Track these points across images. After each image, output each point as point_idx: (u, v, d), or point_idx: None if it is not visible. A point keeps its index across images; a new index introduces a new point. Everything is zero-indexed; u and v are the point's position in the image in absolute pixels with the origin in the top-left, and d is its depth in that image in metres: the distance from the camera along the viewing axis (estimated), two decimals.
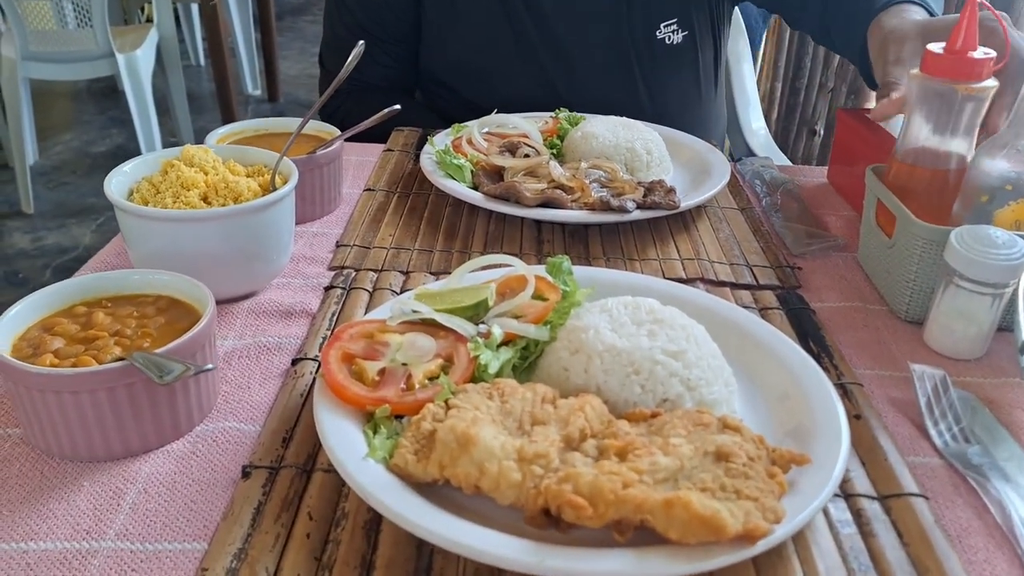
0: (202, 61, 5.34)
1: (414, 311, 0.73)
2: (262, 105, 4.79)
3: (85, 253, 3.09)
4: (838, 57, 2.99)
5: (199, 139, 3.38)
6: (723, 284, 0.96)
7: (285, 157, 0.90)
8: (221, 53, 3.81)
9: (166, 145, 3.68)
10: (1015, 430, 0.74)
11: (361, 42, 0.94)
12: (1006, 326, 0.86)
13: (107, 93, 4.64)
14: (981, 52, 0.87)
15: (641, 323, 0.72)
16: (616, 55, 1.45)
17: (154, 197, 0.83)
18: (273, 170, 0.89)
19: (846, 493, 0.65)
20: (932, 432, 0.73)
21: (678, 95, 1.52)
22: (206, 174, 0.86)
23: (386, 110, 0.96)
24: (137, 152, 3.38)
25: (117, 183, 0.84)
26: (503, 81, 1.46)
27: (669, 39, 1.45)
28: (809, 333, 0.86)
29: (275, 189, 0.87)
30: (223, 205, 0.83)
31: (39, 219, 3.33)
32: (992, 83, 0.88)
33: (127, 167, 0.87)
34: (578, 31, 1.43)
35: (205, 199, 0.84)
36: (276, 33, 4.71)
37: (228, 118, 4.01)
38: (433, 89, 1.56)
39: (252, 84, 4.93)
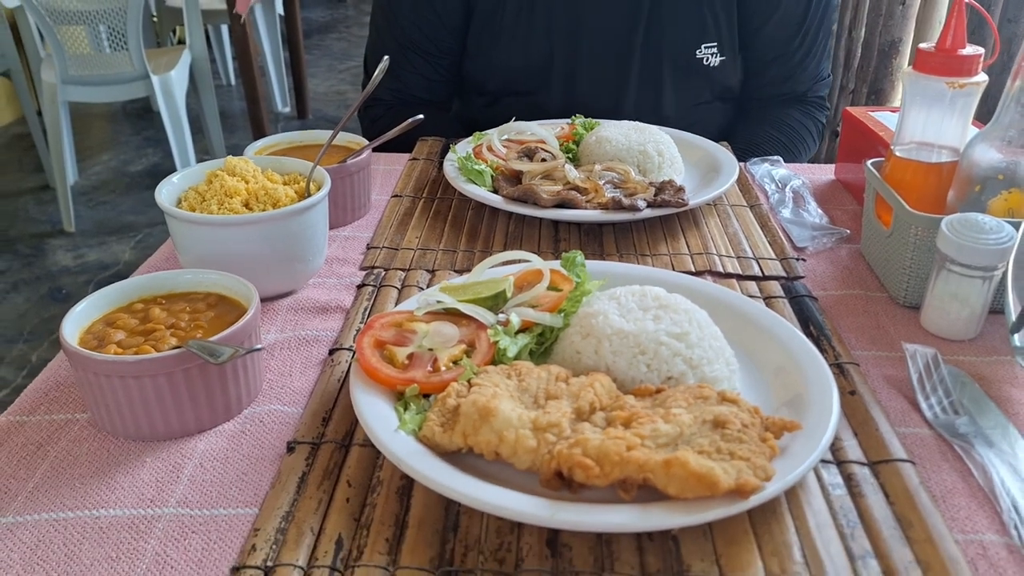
0: (233, 81, 5.49)
1: (439, 302, 0.79)
2: (291, 122, 4.91)
3: (125, 269, 3.21)
4: (858, 59, 3.02)
5: (232, 156, 3.44)
6: (730, 276, 1.02)
7: (318, 166, 0.97)
8: (251, 73, 3.93)
9: (200, 163, 3.80)
10: (1003, 403, 0.79)
11: (386, 57, 1.01)
12: (998, 308, 0.91)
13: (142, 114, 4.79)
14: (970, 48, 0.92)
15: (647, 308, 0.78)
16: (652, 69, 1.52)
17: (200, 204, 0.91)
18: (308, 178, 0.96)
19: (838, 460, 0.70)
20: (923, 405, 0.78)
21: (709, 110, 1.59)
22: (247, 183, 0.93)
23: (409, 120, 1.03)
24: (172, 171, 3.47)
25: (167, 192, 0.92)
26: (542, 94, 1.54)
27: (707, 60, 1.52)
28: (810, 318, 0.92)
29: (310, 195, 0.94)
30: (263, 211, 0.91)
31: (80, 237, 3.46)
32: (982, 78, 0.93)
33: (175, 178, 0.95)
34: (617, 46, 1.50)
35: (247, 205, 0.92)
36: (304, 52, 4.83)
37: (259, 136, 4.13)
38: (473, 99, 1.63)
39: (282, 102, 5.05)
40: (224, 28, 5.20)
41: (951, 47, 0.92)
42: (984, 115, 1.01)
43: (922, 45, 0.94)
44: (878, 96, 2.93)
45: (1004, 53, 1.97)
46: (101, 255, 3.32)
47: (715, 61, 1.52)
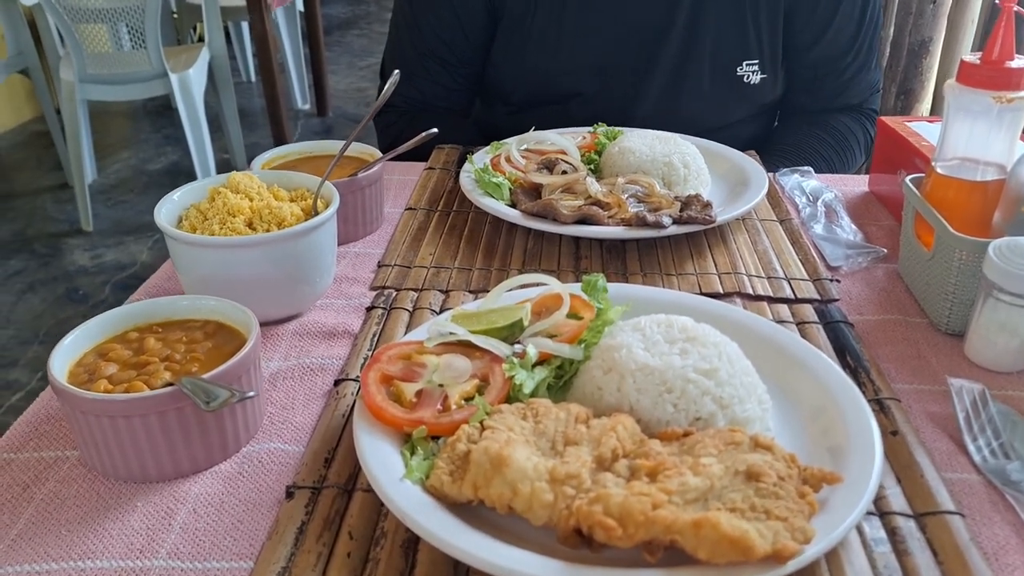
0: (253, 77, 5.47)
1: (451, 333, 0.75)
2: (311, 120, 4.88)
3: (142, 270, 3.19)
4: (887, 58, 2.94)
5: (251, 154, 3.45)
6: (760, 298, 0.96)
7: (327, 182, 0.93)
8: (271, 71, 3.90)
9: (218, 161, 3.78)
10: None
11: (397, 72, 0.97)
12: None
13: (161, 112, 4.78)
14: (1019, 61, 0.86)
15: (674, 341, 0.73)
16: (690, 85, 1.46)
17: (202, 224, 0.87)
18: (315, 194, 0.92)
19: (881, 511, 0.65)
20: (970, 447, 0.73)
21: (746, 126, 1.54)
22: (251, 200, 0.89)
23: (424, 134, 0.99)
24: (191, 169, 3.48)
25: (167, 211, 0.88)
26: (570, 103, 1.49)
27: (748, 78, 1.46)
28: (847, 347, 0.86)
29: (317, 213, 0.90)
30: (267, 231, 0.86)
31: (98, 236, 3.45)
32: None
33: (176, 195, 0.91)
34: (654, 58, 1.45)
35: (250, 225, 0.87)
36: (324, 48, 4.80)
37: (278, 133, 4.11)
38: (496, 107, 1.58)
39: (302, 99, 5.03)
40: (244, 24, 5.17)
41: (998, 59, 0.86)
42: None
43: (966, 56, 0.88)
44: (907, 96, 2.85)
45: None
46: (119, 255, 3.31)
47: (756, 79, 1.46)
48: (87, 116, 3.49)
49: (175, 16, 4.71)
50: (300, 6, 4.74)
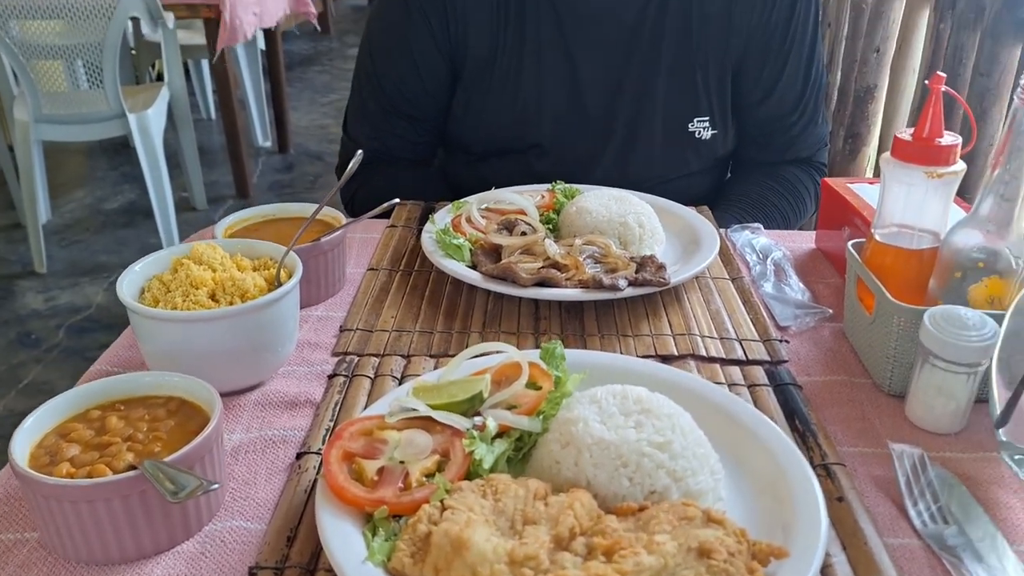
0: (213, 115, 5.44)
1: (411, 408, 0.76)
2: (273, 157, 4.87)
3: (97, 312, 3.15)
4: (835, 103, 3.05)
5: (210, 193, 3.41)
6: (713, 360, 1.00)
7: (291, 251, 0.94)
8: (231, 108, 3.90)
9: (177, 200, 3.76)
10: (991, 506, 0.77)
11: (360, 152, 0.99)
12: (984, 397, 0.89)
13: (119, 149, 4.73)
14: (948, 137, 0.91)
15: (629, 413, 0.76)
16: (643, 139, 1.51)
17: (165, 296, 0.88)
18: (279, 264, 0.93)
19: None
20: (911, 512, 0.76)
21: (700, 178, 1.59)
22: (214, 271, 0.90)
23: (385, 204, 1.01)
24: (148, 208, 3.45)
25: (129, 283, 0.89)
26: (529, 155, 1.52)
27: (699, 134, 1.51)
28: (795, 411, 0.89)
29: (280, 283, 0.91)
30: (230, 303, 0.88)
31: (52, 278, 3.40)
32: (960, 167, 0.92)
33: (138, 266, 0.91)
34: (609, 112, 1.49)
35: (213, 296, 0.88)
36: (286, 85, 4.81)
37: (239, 171, 4.10)
38: (458, 156, 1.61)
39: (263, 136, 5.02)
40: (204, 62, 5.16)
41: (929, 136, 0.91)
42: (963, 190, 1.00)
43: (898, 133, 0.93)
44: (855, 139, 2.95)
45: (980, 114, 1.98)
46: (73, 297, 3.26)
47: (707, 135, 1.51)
48: (42, 156, 3.45)
49: (133, 53, 4.69)
50: (261, 44, 4.75)
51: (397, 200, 1.04)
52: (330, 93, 6.15)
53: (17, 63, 3.09)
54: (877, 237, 0.97)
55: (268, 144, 5.01)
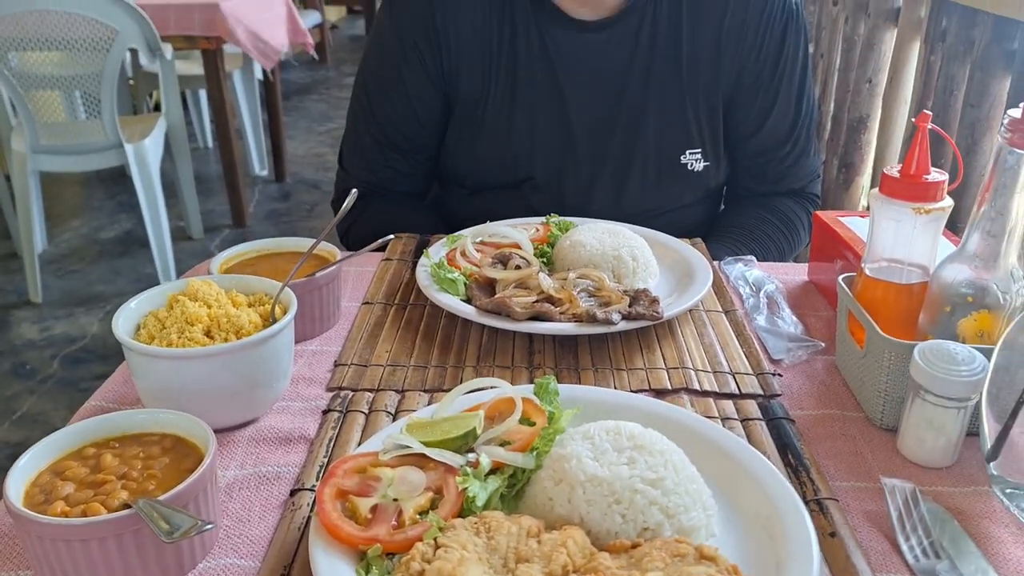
0: (210, 144, 5.48)
1: (405, 446, 0.77)
2: (269, 186, 4.89)
3: (92, 343, 3.14)
4: (828, 132, 3.08)
5: (207, 222, 3.42)
6: (707, 394, 1.00)
7: (286, 287, 0.95)
8: (228, 138, 3.92)
9: (173, 229, 3.77)
10: (982, 540, 0.77)
11: (354, 191, 1.01)
12: (975, 431, 0.90)
13: (116, 179, 4.76)
14: (935, 174, 0.93)
15: (622, 450, 0.76)
16: (636, 172, 1.52)
17: (160, 332, 0.88)
18: (274, 301, 0.94)
19: None
20: (903, 547, 0.76)
21: (693, 209, 1.60)
22: (209, 307, 0.91)
23: (380, 240, 1.02)
24: (145, 238, 3.46)
25: (124, 320, 0.89)
26: (523, 188, 1.54)
27: (692, 166, 1.53)
28: (788, 445, 0.90)
29: (275, 319, 0.92)
30: (226, 339, 0.88)
31: (47, 308, 3.40)
32: (948, 203, 0.93)
33: (133, 303, 0.92)
34: (601, 146, 1.51)
35: (208, 333, 0.89)
36: (282, 114, 4.84)
37: (236, 200, 4.12)
38: (453, 189, 1.63)
39: (259, 165, 5.04)
40: (202, 92, 5.20)
41: (916, 173, 0.92)
42: (951, 221, 1.01)
43: (886, 170, 0.94)
44: (848, 169, 2.98)
45: (970, 144, 2.01)
46: (68, 328, 3.26)
47: (699, 167, 1.53)
48: (39, 186, 3.46)
49: (131, 83, 4.72)
50: (258, 73, 4.79)
51: (392, 236, 1.05)
52: (327, 122, 6.19)
53: (15, 94, 3.11)
54: (867, 272, 0.98)
55: (265, 173, 5.03)
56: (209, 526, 0.65)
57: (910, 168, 0.92)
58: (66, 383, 2.90)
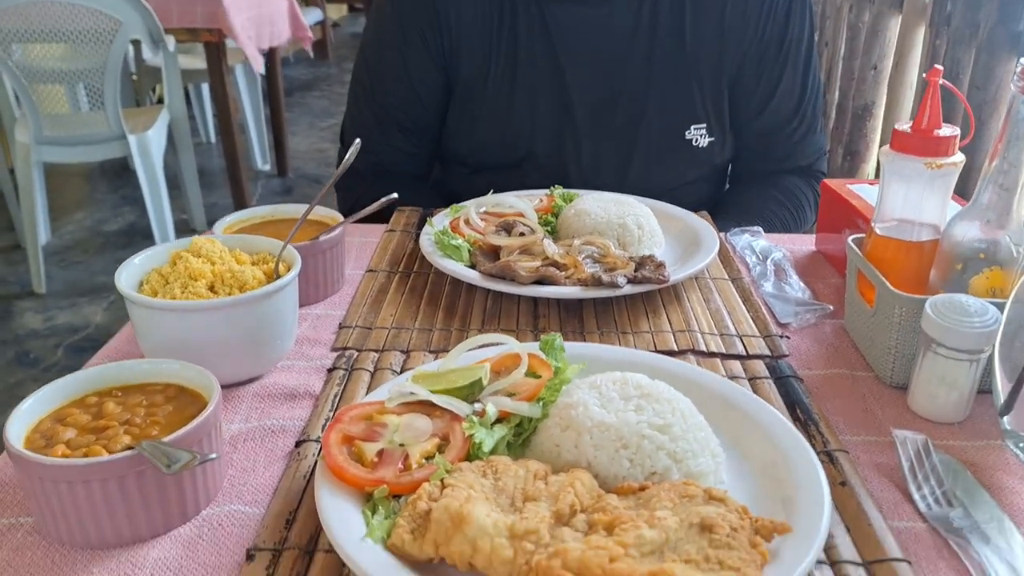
0: (213, 139, 5.48)
1: (411, 393, 0.76)
2: (272, 180, 4.89)
3: (96, 332, 3.14)
4: (833, 121, 3.07)
5: (210, 215, 3.43)
6: (713, 355, 0.99)
7: (289, 245, 0.94)
8: (231, 131, 3.92)
9: (177, 222, 3.77)
10: (996, 491, 0.76)
11: (358, 140, 1.00)
12: (986, 388, 0.89)
13: (119, 172, 4.76)
14: (947, 129, 0.92)
15: (629, 398, 0.75)
16: (640, 148, 1.51)
17: (163, 288, 0.88)
18: (277, 258, 0.93)
19: (831, 560, 0.67)
20: (915, 496, 0.75)
21: (698, 187, 1.59)
22: (213, 264, 0.90)
23: (384, 199, 1.01)
24: (148, 230, 3.46)
25: (127, 275, 0.89)
26: (524, 167, 1.53)
27: (696, 141, 1.52)
28: (797, 402, 0.89)
29: (279, 277, 0.91)
30: (229, 294, 0.87)
31: (51, 299, 3.39)
32: (959, 158, 0.92)
33: (137, 259, 0.91)
34: (603, 122, 1.50)
35: (212, 288, 0.88)
36: (285, 109, 4.84)
37: (238, 194, 4.11)
38: (454, 169, 1.62)
39: (262, 160, 5.04)
40: (204, 86, 5.20)
41: (927, 128, 0.91)
42: (960, 188, 1.00)
43: (898, 125, 0.93)
44: (853, 157, 2.97)
45: (977, 125, 1.99)
46: (72, 318, 3.25)
47: (704, 142, 1.52)
48: (42, 178, 3.46)
49: (134, 78, 4.72)
50: (261, 68, 4.79)
51: (395, 195, 1.04)
52: (329, 118, 6.19)
53: (19, 85, 3.11)
54: (877, 231, 0.97)
55: (267, 168, 5.03)
56: (213, 455, 0.64)
57: (921, 123, 0.91)
58: (70, 372, 2.87)
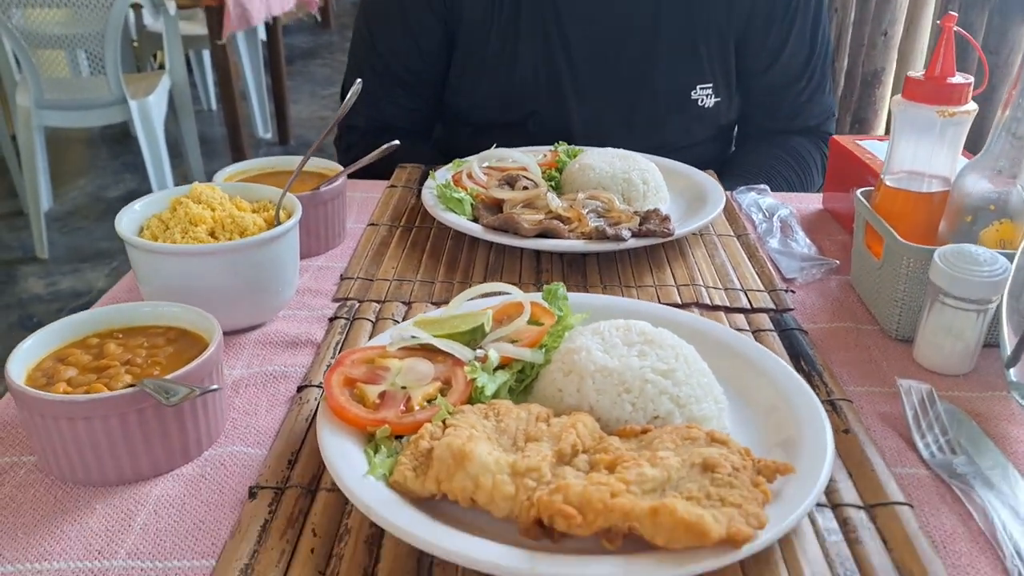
0: (214, 106, 5.44)
1: (413, 337, 0.75)
2: (273, 148, 4.87)
3: (99, 297, 3.12)
4: (841, 88, 3.03)
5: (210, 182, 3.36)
6: (717, 308, 0.99)
7: (288, 193, 0.93)
8: (232, 99, 3.90)
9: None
10: (1000, 441, 0.76)
11: (359, 81, 0.98)
12: (992, 342, 0.88)
13: (120, 139, 4.73)
14: (960, 77, 0.90)
15: (632, 344, 0.75)
16: (645, 107, 1.49)
17: (163, 233, 0.87)
18: (277, 206, 0.93)
19: (833, 503, 0.67)
20: (919, 444, 0.75)
21: (704, 147, 1.58)
22: (213, 210, 0.89)
23: (385, 146, 1.00)
24: None
25: (128, 220, 0.88)
26: (528, 125, 1.51)
27: (702, 101, 1.50)
28: (801, 353, 0.88)
29: (279, 224, 0.90)
30: (229, 240, 0.87)
31: (53, 264, 3.39)
32: (972, 107, 0.91)
33: (137, 205, 0.91)
34: (608, 80, 1.48)
35: (212, 234, 0.88)
36: (286, 77, 4.80)
37: (239, 161, 4.08)
38: (457, 128, 1.60)
39: (263, 127, 5.01)
40: (205, 53, 5.16)
41: (940, 75, 0.90)
42: (970, 145, 0.99)
43: (911, 73, 0.92)
44: (861, 125, 2.94)
45: (990, 81, 1.97)
46: (74, 283, 3.25)
47: (710, 102, 1.50)
48: (44, 142, 3.44)
49: (135, 44, 4.68)
50: (263, 35, 4.75)
51: (396, 142, 1.03)
52: (330, 86, 6.14)
53: (20, 50, 3.08)
54: (887, 182, 0.96)
55: (269, 136, 5.00)
56: (214, 387, 0.63)
57: (935, 70, 0.89)
58: None
